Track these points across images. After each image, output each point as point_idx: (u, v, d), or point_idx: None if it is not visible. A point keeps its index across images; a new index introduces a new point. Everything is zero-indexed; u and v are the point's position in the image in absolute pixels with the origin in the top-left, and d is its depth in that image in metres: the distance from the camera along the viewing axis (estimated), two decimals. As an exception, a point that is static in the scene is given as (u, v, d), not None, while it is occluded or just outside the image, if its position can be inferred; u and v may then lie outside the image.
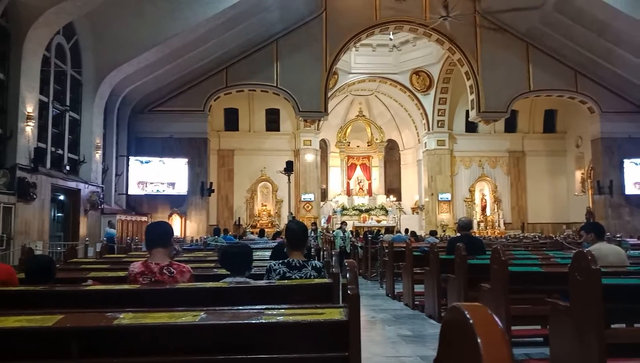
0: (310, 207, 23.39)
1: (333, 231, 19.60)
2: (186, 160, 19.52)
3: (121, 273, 3.89)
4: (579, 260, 3.49)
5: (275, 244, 7.57)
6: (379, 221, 24.59)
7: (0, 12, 11.23)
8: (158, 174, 19.19)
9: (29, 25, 12.00)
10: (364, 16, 19.58)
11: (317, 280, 3.29)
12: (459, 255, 6.08)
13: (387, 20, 19.78)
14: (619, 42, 17.52)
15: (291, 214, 18.67)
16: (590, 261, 3.34)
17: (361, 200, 26.37)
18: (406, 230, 16.46)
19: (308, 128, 23.17)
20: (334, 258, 3.75)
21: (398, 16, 19.67)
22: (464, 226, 7.22)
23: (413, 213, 26.62)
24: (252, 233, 18.55)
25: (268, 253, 5.89)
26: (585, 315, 3.37)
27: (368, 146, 27.43)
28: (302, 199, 23.35)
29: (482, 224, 24.09)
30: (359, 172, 27.34)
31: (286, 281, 3.33)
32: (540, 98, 22.41)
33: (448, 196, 24.09)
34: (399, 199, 27.47)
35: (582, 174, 23.31)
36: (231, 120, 23.97)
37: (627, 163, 20.63)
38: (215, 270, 4.49)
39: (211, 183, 20.60)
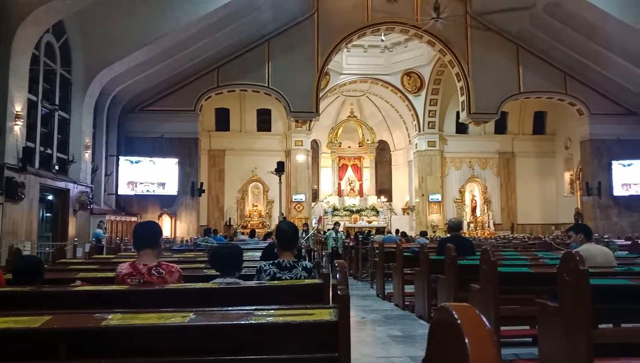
0: (301, 208, 23.39)
1: (324, 231, 19.62)
2: (176, 160, 19.43)
3: (110, 274, 3.87)
4: (567, 260, 3.51)
5: (265, 244, 7.56)
6: (369, 222, 24.63)
7: (-11, 10, 11.13)
8: (148, 175, 19.09)
9: (18, 23, 11.88)
10: (355, 17, 19.63)
11: (307, 281, 3.29)
12: (449, 256, 6.10)
13: (378, 22, 19.84)
14: (608, 45, 17.69)
15: (282, 214, 18.64)
16: (578, 262, 3.37)
17: (352, 201, 26.40)
18: (397, 231, 16.50)
19: (299, 129, 23.18)
20: (324, 259, 3.75)
21: (389, 17, 19.74)
22: (454, 226, 7.26)
23: (404, 214, 26.71)
24: (242, 233, 18.51)
25: (258, 254, 5.87)
26: (573, 316, 3.39)
27: (359, 146, 27.48)
28: (293, 200, 23.34)
29: (472, 225, 24.21)
30: (350, 173, 27.38)
31: (276, 282, 3.32)
32: (530, 100, 22.59)
33: (438, 197, 24.20)
34: (389, 200, 27.55)
35: (571, 175, 23.51)
36: (222, 120, 23.92)
37: (615, 165, 20.85)
38: (205, 270, 4.47)
39: (202, 183, 20.54)
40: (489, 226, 23.94)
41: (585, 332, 3.26)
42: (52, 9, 12.28)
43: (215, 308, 2.34)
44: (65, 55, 15.19)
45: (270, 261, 3.53)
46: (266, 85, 19.61)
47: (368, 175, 27.43)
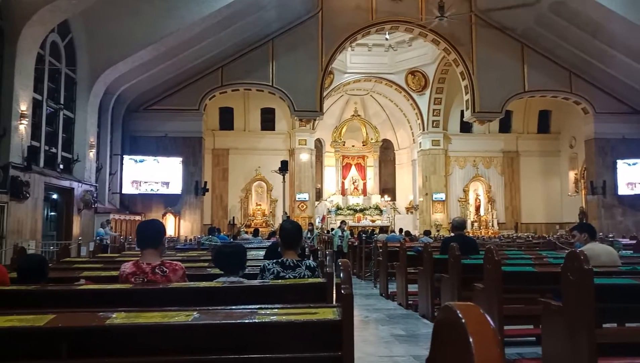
0: (304, 207, 23.40)
1: (327, 231, 19.63)
2: (180, 159, 19.47)
3: (114, 273, 3.87)
4: (571, 260, 3.50)
5: (269, 244, 7.56)
6: (373, 221, 24.63)
7: (-6, 10, 11.17)
8: (152, 174, 19.13)
9: (24, 23, 11.92)
10: (360, 16, 19.61)
11: (310, 280, 3.29)
12: (452, 255, 6.09)
13: (383, 20, 19.82)
14: (614, 44, 17.62)
15: (286, 213, 18.66)
16: (582, 261, 3.36)
17: (356, 200, 26.39)
18: (400, 230, 16.48)
19: (303, 128, 23.18)
20: (328, 258, 3.75)
21: (394, 16, 19.72)
22: (458, 226, 7.24)
23: (407, 213, 26.68)
24: (246, 232, 18.54)
25: (262, 253, 5.88)
26: (577, 315, 3.38)
27: (363, 145, 27.47)
28: (297, 199, 23.35)
29: (475, 224, 24.17)
30: (353, 172, 27.36)
31: (280, 280, 3.33)
32: (535, 99, 22.51)
33: (442, 196, 24.16)
34: (393, 199, 27.52)
35: (576, 174, 23.44)
36: (226, 119, 23.94)
37: (620, 164, 20.76)
38: (208, 269, 4.48)
39: (205, 183, 20.56)
40: (492, 226, 23.90)
41: (588, 331, 3.25)
42: (57, 9, 12.32)
43: (219, 307, 2.34)
44: (70, 54, 15.24)
45: (274, 260, 3.53)
46: (270, 84, 19.62)
47: (372, 174, 27.42)
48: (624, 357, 3.68)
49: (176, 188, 19.35)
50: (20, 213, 12.09)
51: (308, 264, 3.52)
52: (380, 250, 10.38)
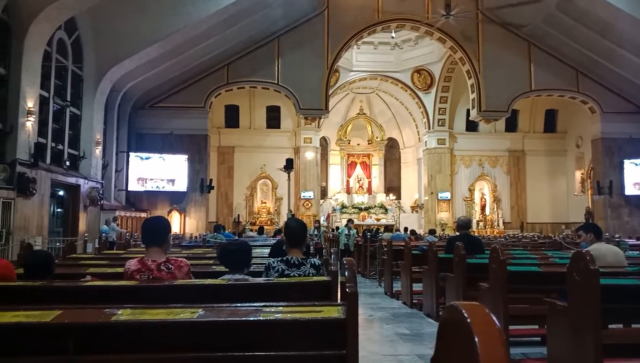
0: (309, 205, 23.41)
1: (333, 229, 19.62)
2: (186, 156, 19.53)
3: (120, 269, 3.89)
4: (577, 260, 3.48)
5: (274, 241, 7.56)
6: (378, 220, 24.63)
7: (2, 7, 11.21)
8: (158, 171, 19.20)
9: (31, 20, 11.99)
10: (366, 14, 19.58)
11: (315, 278, 3.29)
12: (457, 254, 6.07)
13: (389, 19, 19.78)
14: (622, 43, 17.51)
15: (291, 211, 18.67)
16: (588, 262, 3.34)
17: (361, 198, 26.38)
18: (405, 229, 16.44)
19: (308, 126, 23.17)
20: (332, 256, 3.75)
21: (400, 14, 19.67)
22: (463, 225, 7.23)
23: (412, 212, 26.65)
24: (251, 230, 18.56)
25: (267, 251, 5.88)
26: (583, 315, 3.37)
27: (368, 144, 27.44)
28: (302, 197, 23.36)
29: (481, 223, 24.12)
30: (359, 170, 27.36)
31: (285, 278, 3.33)
32: (541, 98, 22.41)
33: (448, 195, 24.11)
34: (398, 197, 27.49)
35: (582, 174, 23.32)
36: (232, 117, 23.98)
37: (627, 164, 20.65)
38: (213, 267, 4.49)
39: (211, 180, 20.61)
40: (498, 225, 23.82)
41: (594, 331, 3.24)
42: (64, 6, 12.37)
43: (224, 305, 2.34)
44: (77, 51, 15.30)
45: (279, 258, 3.53)
46: (276, 82, 19.63)
47: (377, 173, 27.40)
48: (629, 358, 3.66)
49: (182, 185, 19.41)
50: (27, 209, 12.16)
51: (313, 262, 3.52)
52: (385, 249, 10.37)
